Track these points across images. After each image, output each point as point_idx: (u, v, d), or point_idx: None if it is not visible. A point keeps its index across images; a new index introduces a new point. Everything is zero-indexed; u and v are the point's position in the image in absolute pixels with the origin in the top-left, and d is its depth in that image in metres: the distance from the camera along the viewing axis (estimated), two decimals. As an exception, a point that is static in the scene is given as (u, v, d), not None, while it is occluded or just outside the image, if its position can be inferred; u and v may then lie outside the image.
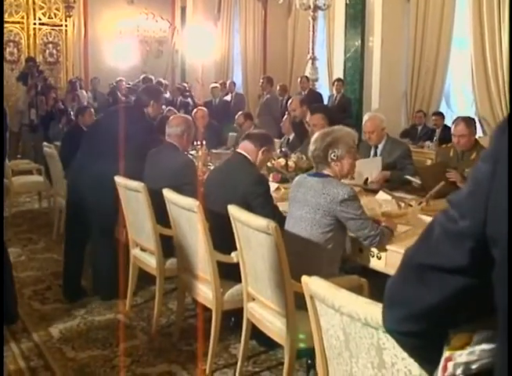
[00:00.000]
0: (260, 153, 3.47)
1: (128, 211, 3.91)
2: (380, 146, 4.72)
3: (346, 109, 8.93)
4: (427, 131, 8.73)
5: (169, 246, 3.61)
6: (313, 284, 1.80)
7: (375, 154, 4.75)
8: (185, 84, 11.17)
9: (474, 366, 0.94)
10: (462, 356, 0.95)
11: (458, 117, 4.57)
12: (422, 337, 1.01)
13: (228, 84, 10.71)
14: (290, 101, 6.19)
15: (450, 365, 0.96)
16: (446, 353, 0.97)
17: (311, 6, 8.64)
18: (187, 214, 3.16)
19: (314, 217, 2.90)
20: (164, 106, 6.17)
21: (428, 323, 0.99)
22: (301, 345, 2.63)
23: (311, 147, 3.01)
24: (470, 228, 0.91)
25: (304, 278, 1.84)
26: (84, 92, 11.04)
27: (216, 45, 12.20)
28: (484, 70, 8.14)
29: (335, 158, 2.97)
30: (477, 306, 0.93)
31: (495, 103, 8.08)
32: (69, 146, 5.35)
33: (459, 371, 0.95)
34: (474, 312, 0.95)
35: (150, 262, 3.77)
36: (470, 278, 0.92)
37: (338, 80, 9.35)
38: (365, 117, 4.83)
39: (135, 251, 3.98)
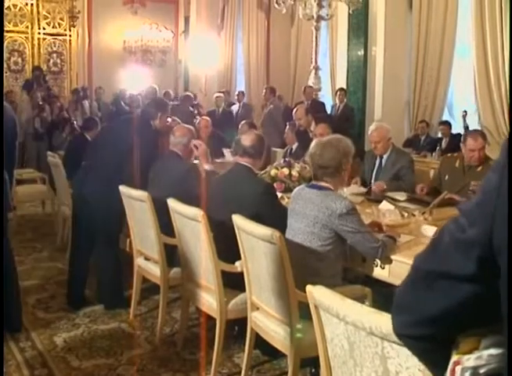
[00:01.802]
0: (262, 160, 3.51)
1: (133, 220, 3.94)
2: (385, 156, 4.77)
3: (349, 118, 8.95)
4: (430, 140, 8.74)
5: (173, 255, 3.64)
6: (318, 293, 1.82)
7: (380, 164, 4.79)
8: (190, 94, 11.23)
9: (481, 371, 0.95)
10: (470, 360, 0.97)
11: (472, 131, 4.55)
12: (431, 340, 1.03)
13: (237, 94, 10.73)
14: (295, 110, 6.23)
15: (458, 369, 0.97)
16: (454, 357, 0.99)
17: (315, 16, 8.66)
18: (191, 223, 3.18)
19: (312, 230, 2.91)
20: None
21: (437, 328, 1.01)
22: (298, 335, 2.62)
23: (317, 156, 2.97)
24: (478, 236, 0.93)
25: (309, 287, 1.86)
26: (87, 101, 11.09)
27: (219, 55, 12.26)
28: (486, 79, 8.18)
29: (345, 169, 2.99)
30: (486, 313, 0.95)
31: (497, 113, 8.11)
32: (74, 156, 5.39)
33: (467, 375, 0.96)
34: (483, 318, 0.97)
35: (154, 271, 3.80)
36: (478, 286, 0.94)
37: (341, 89, 9.40)
38: (371, 127, 4.86)
39: (139, 261, 4.00)
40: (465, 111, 8.56)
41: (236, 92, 10.98)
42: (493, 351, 0.96)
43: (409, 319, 1.04)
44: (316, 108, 7.33)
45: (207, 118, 6.73)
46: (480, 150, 4.25)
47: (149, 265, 3.91)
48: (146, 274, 3.96)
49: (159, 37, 13.62)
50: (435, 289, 0.98)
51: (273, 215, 3.21)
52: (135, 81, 12.09)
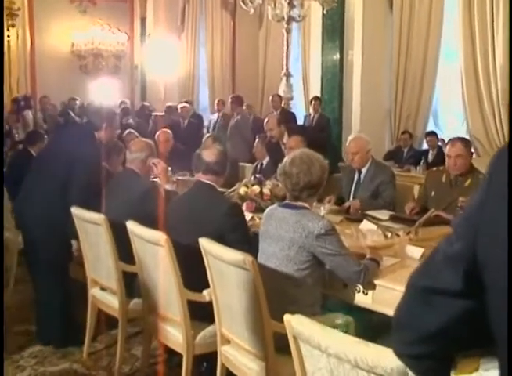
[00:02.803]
0: (222, 180, 3.55)
1: (86, 246, 3.92)
2: (364, 170, 4.85)
3: (324, 130, 9.01)
4: (414, 153, 8.89)
5: (133, 284, 3.64)
6: (297, 323, 1.86)
7: (359, 179, 4.87)
8: (147, 104, 11.27)
9: None
10: None
11: (454, 137, 4.63)
12: (431, 359, 1.12)
13: (216, 104, 10.75)
14: (266, 119, 6.28)
15: None
16: None
17: (285, 17, 8.76)
18: (153, 248, 3.19)
19: (288, 253, 2.93)
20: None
21: (436, 345, 1.10)
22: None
23: (294, 172, 2.97)
24: (463, 250, 1.02)
25: (287, 316, 1.89)
26: (30, 112, 10.99)
27: (180, 60, 12.33)
28: (475, 85, 8.27)
29: (323, 186, 3.05)
30: (483, 329, 1.02)
31: (488, 121, 8.19)
32: (16, 174, 5.33)
33: None
34: (481, 334, 1.04)
35: (112, 302, 3.78)
36: (469, 301, 1.03)
37: (316, 98, 9.52)
38: (349, 138, 4.96)
39: (93, 291, 3.98)
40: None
41: (216, 101, 11.00)
42: (494, 373, 1.02)
43: (408, 337, 1.12)
44: (286, 119, 7.40)
45: (168, 131, 6.73)
46: (457, 157, 4.33)
47: (105, 295, 3.89)
48: (101, 306, 3.93)
49: (112, 39, 13.63)
50: (431, 305, 1.07)
51: (238, 238, 3.23)
52: (85, 90, 12.05)
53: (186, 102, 10.60)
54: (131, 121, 10.17)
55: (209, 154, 3.56)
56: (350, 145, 4.86)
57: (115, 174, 4.65)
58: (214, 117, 10.52)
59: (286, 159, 3.08)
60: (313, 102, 9.50)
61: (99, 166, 4.09)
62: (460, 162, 4.36)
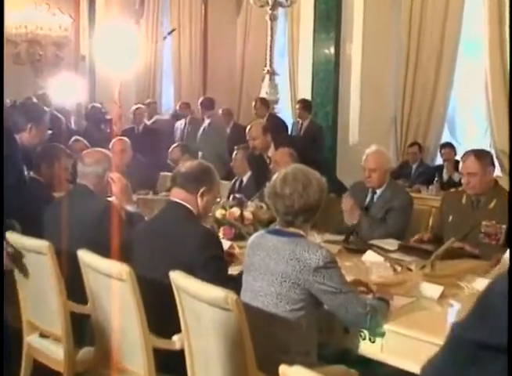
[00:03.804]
0: (199, 198, 3.53)
1: (23, 280, 3.90)
2: (379, 192, 4.94)
3: (316, 140, 8.98)
4: (424, 170, 8.99)
5: (83, 329, 3.63)
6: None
7: (371, 200, 4.94)
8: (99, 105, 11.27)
9: None
10: None
11: (467, 151, 4.70)
12: None
13: (178, 107, 10.73)
14: (248, 127, 6.30)
15: None
16: None
17: (270, 2, 8.85)
18: (112, 283, 3.19)
19: (279, 290, 2.95)
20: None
21: None
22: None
23: (286, 193, 2.99)
24: None
25: (283, 368, 1.91)
26: None
27: (138, 52, 12.33)
28: (503, 85, 8.26)
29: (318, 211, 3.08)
30: None
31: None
32: None
33: None
34: None
35: (54, 352, 3.73)
36: None
37: (301, 102, 9.50)
38: (367, 151, 5.01)
39: (31, 338, 3.93)
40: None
41: (178, 104, 11.06)
42: None
43: None
44: (274, 127, 7.43)
45: (125, 139, 6.75)
46: (469, 175, 4.43)
47: (46, 344, 3.84)
48: (40, 357, 3.86)
49: (51, 23, 13.45)
50: (480, 362, 1.08)
51: (210, 274, 3.22)
52: (18, 85, 11.96)
53: (143, 104, 10.60)
54: (73, 125, 10.18)
55: (188, 166, 3.57)
56: (368, 160, 4.94)
57: (56, 188, 4.65)
58: (181, 123, 10.54)
59: (276, 176, 3.09)
60: (298, 105, 9.45)
61: (14, 175, 4.07)
62: (474, 181, 4.44)
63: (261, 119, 8.60)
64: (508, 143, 8.14)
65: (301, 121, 9.46)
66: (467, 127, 9.77)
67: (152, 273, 3.20)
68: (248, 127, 6.28)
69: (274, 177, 3.11)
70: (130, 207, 4.33)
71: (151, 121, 10.78)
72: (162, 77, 13.39)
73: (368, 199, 4.99)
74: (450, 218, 4.66)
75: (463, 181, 4.59)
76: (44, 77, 13.10)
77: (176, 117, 11.13)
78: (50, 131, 6.27)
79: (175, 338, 3.09)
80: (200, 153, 8.37)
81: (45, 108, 5.65)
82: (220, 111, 9.97)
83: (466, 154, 4.61)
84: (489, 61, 8.41)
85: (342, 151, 9.58)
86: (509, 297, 0.97)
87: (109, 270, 3.20)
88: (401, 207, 4.87)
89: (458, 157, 8.39)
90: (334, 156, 9.57)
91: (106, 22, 12.80)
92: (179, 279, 2.91)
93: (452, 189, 5.17)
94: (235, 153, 6.65)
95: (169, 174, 7.02)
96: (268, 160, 5.92)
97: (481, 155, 4.56)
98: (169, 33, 12.66)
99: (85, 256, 3.38)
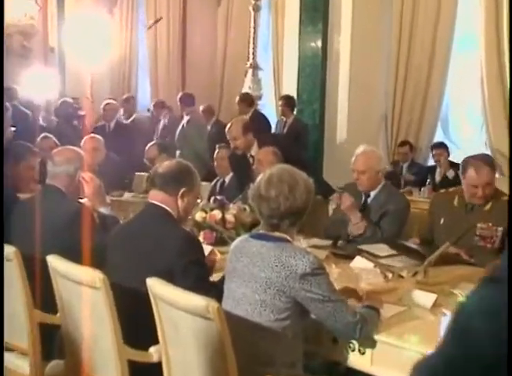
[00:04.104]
0: (179, 199, 3.53)
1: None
2: (373, 194, 4.93)
3: (300, 138, 8.97)
4: (416, 170, 9.02)
5: (52, 341, 3.61)
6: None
7: (365, 202, 4.94)
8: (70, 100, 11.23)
9: None
10: None
11: (476, 159, 4.52)
12: None
13: (153, 106, 10.63)
14: (228, 125, 6.28)
15: None
16: None
17: (253, -8, 8.87)
18: (83, 291, 3.17)
19: (263, 298, 2.95)
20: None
21: None
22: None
23: (272, 195, 2.99)
24: None
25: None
26: None
27: (111, 43, 12.30)
28: (500, 81, 8.29)
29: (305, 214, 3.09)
30: None
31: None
32: None
33: None
34: None
35: (19, 367, 3.70)
36: None
37: (287, 98, 9.51)
38: (357, 151, 4.97)
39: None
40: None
41: (153, 102, 11.02)
42: None
43: None
44: (256, 124, 7.43)
45: (97, 137, 6.74)
46: (485, 186, 4.38)
47: (11, 358, 3.81)
48: (4, 372, 3.86)
49: (16, 10, 13.35)
50: None
51: (190, 280, 3.24)
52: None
53: (114, 99, 10.58)
54: (41, 121, 10.13)
55: (166, 166, 3.57)
56: (357, 161, 4.92)
57: (22, 189, 4.63)
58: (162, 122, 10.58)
59: (260, 178, 3.09)
60: (281, 102, 9.45)
61: None
62: (489, 190, 4.41)
63: (244, 116, 8.62)
64: (507, 143, 8.15)
65: (285, 119, 9.46)
66: (461, 125, 9.81)
67: (127, 280, 3.19)
68: (228, 126, 6.24)
69: (258, 178, 3.12)
70: (103, 210, 4.32)
71: (130, 119, 10.79)
72: (138, 70, 13.35)
73: (361, 203, 4.95)
74: (442, 220, 4.66)
75: (470, 192, 4.45)
76: (10, 69, 12.99)
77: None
78: (13, 128, 6.28)
79: (152, 349, 3.09)
80: (177, 152, 8.37)
81: (7, 104, 5.64)
82: (201, 108, 9.94)
83: (476, 163, 4.43)
84: (485, 55, 8.44)
85: (329, 151, 9.59)
86: (508, 303, 0.97)
87: (81, 277, 3.18)
88: (396, 211, 4.85)
89: (451, 158, 8.48)
90: (321, 156, 9.58)
91: (77, 10, 12.73)
92: (156, 286, 2.90)
93: (443, 190, 5.17)
94: (216, 152, 6.65)
95: (145, 174, 7.05)
96: (251, 160, 5.91)
97: (492, 164, 4.54)
98: (154, 22, 12.54)
99: (55, 262, 3.36)
